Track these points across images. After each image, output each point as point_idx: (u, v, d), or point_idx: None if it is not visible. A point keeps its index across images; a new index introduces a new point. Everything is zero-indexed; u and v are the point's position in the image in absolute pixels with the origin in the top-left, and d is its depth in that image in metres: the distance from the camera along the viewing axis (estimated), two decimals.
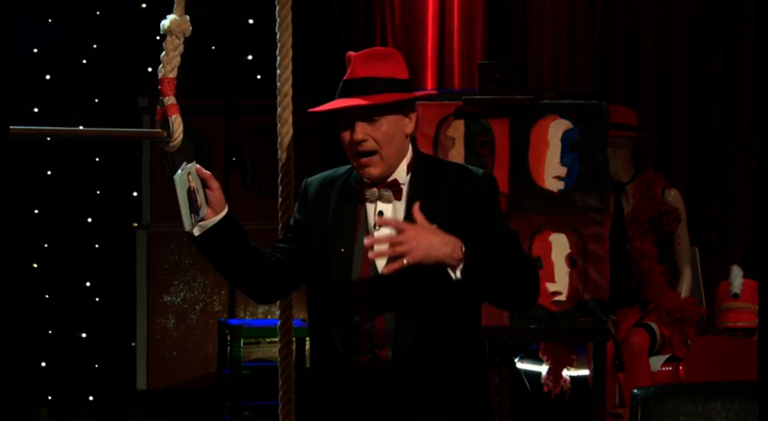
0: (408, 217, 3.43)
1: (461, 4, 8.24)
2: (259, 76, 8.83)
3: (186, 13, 3.80)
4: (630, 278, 6.41)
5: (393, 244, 3.23)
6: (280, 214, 3.92)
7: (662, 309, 6.42)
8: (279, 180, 3.97)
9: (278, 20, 3.94)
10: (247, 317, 8.73)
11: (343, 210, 3.52)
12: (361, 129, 3.43)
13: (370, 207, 3.50)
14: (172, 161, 8.65)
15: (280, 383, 4.00)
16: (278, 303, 3.99)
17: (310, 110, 3.65)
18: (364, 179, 3.50)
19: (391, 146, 3.46)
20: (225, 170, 8.66)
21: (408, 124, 3.51)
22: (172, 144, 3.81)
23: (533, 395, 6.62)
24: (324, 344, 3.49)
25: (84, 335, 8.54)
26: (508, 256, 3.38)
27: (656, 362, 6.40)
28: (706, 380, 5.99)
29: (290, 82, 3.96)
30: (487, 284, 3.35)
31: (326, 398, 3.51)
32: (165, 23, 3.77)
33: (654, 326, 6.40)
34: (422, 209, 3.37)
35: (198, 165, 3.47)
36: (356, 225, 3.49)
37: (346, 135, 3.47)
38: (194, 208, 3.46)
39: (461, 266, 3.27)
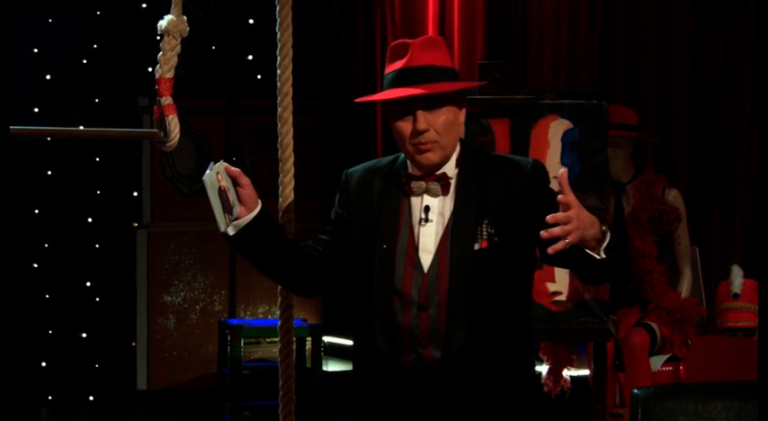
0: (457, 211, 3.36)
1: (461, 4, 8.24)
2: (259, 76, 8.83)
3: (186, 13, 3.80)
4: (631, 278, 6.41)
5: (562, 223, 3.08)
6: (280, 214, 3.91)
7: (662, 309, 6.42)
8: (279, 180, 3.96)
9: (278, 20, 3.94)
10: (247, 317, 8.73)
11: (386, 203, 3.43)
12: (423, 119, 3.34)
13: (415, 201, 3.41)
14: (172, 161, 8.65)
15: (280, 383, 4.00)
16: (278, 303, 3.99)
17: (362, 99, 3.59)
18: (410, 171, 3.42)
19: (450, 135, 3.37)
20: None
21: (461, 115, 3.43)
22: (169, 144, 3.81)
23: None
24: (368, 344, 3.41)
25: (84, 334, 8.54)
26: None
27: (657, 362, 6.40)
28: (706, 380, 5.99)
29: (291, 82, 3.95)
30: (620, 261, 3.26)
31: (371, 399, 3.43)
32: (162, 24, 3.77)
33: (654, 326, 6.40)
34: (469, 202, 3.32)
35: (226, 164, 3.40)
36: (399, 219, 3.41)
37: (404, 125, 3.37)
38: (227, 207, 3.38)
39: (605, 245, 3.16)
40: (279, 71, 3.93)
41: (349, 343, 8.52)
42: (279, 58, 3.93)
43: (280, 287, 3.93)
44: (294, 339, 4.11)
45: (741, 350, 6.28)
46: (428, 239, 3.38)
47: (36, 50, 8.43)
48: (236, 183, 3.40)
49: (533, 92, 5.54)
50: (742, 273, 6.47)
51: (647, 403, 3.63)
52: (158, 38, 3.79)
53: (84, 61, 8.55)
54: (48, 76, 8.46)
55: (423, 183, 3.40)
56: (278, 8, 3.94)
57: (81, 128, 5.73)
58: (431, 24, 8.37)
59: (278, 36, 3.94)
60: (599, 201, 5.29)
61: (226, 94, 8.84)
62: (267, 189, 8.68)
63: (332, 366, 8.20)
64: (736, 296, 6.43)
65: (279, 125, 3.95)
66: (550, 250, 3.09)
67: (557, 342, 5.94)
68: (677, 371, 6.42)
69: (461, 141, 3.47)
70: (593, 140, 5.31)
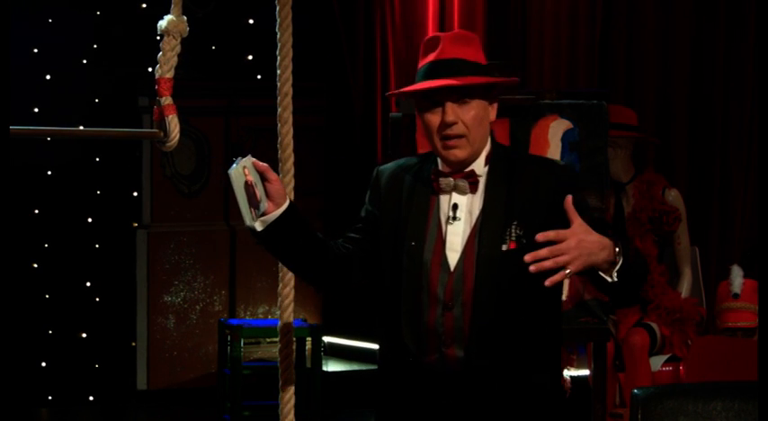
0: (485, 210, 3.33)
1: (461, 4, 8.24)
2: (259, 76, 8.83)
3: (186, 13, 3.80)
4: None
5: (554, 255, 3.07)
6: None
7: (662, 309, 6.42)
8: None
9: (278, 20, 3.94)
10: (247, 318, 8.72)
11: (415, 200, 3.41)
12: (452, 111, 3.32)
13: (443, 198, 3.39)
14: (172, 161, 8.64)
15: (280, 383, 4.00)
16: (278, 303, 3.98)
17: (393, 92, 3.56)
18: (440, 168, 3.40)
19: (479, 131, 3.35)
20: (225, 170, 8.65)
21: (492, 112, 3.40)
22: (169, 144, 3.80)
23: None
24: (394, 342, 3.38)
25: (84, 335, 8.53)
26: (630, 246, 3.26)
27: (657, 362, 6.40)
28: (706, 380, 5.99)
29: (291, 82, 3.95)
30: (632, 282, 3.23)
31: (395, 396, 3.41)
32: (162, 24, 3.76)
33: (654, 326, 6.40)
34: (498, 202, 3.30)
35: (254, 158, 3.35)
36: (428, 217, 3.39)
37: (433, 117, 3.35)
38: (254, 202, 3.33)
39: (617, 268, 3.14)
40: (279, 71, 3.93)
41: (349, 343, 8.53)
42: (279, 58, 3.93)
43: (280, 287, 3.93)
44: (294, 339, 4.10)
45: (741, 350, 6.28)
46: (455, 238, 3.36)
47: (36, 50, 8.43)
48: (263, 177, 3.34)
49: (533, 92, 5.54)
50: (742, 273, 6.47)
51: (647, 403, 3.63)
52: (158, 38, 3.79)
53: (84, 61, 8.55)
54: (48, 76, 8.46)
55: (451, 181, 3.38)
56: (278, 8, 3.94)
57: (81, 128, 5.72)
58: (431, 24, 8.37)
59: (278, 36, 3.94)
60: (599, 201, 5.29)
61: (226, 94, 8.83)
62: None
63: (332, 366, 8.20)
64: (736, 296, 6.43)
65: (279, 125, 3.95)
66: (547, 283, 3.08)
67: None
68: (677, 372, 6.42)
69: (492, 139, 3.44)
70: (593, 140, 5.31)
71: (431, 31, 8.36)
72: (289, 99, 3.95)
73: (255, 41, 8.79)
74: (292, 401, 4.01)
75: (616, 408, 6.33)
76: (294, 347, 4.10)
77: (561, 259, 3.06)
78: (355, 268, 3.46)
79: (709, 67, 7.67)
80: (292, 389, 4.00)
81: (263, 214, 3.34)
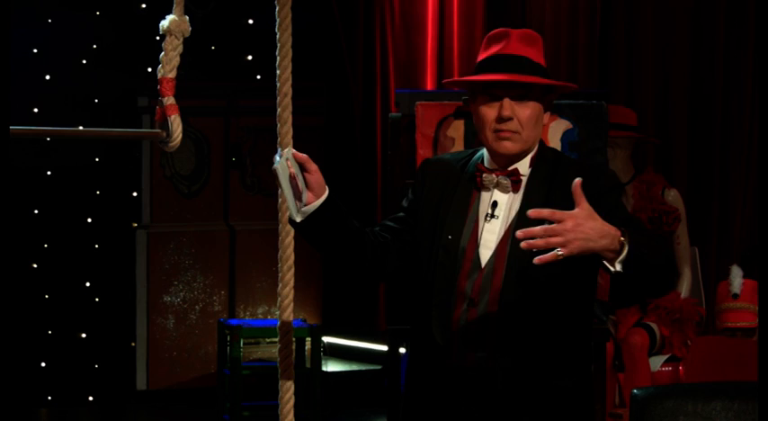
0: (523, 210, 3.29)
1: (461, 4, 8.25)
2: (259, 77, 8.83)
3: (186, 13, 3.80)
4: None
5: (548, 235, 3.00)
6: (280, 214, 3.91)
7: (662, 310, 6.42)
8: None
9: (278, 20, 3.94)
10: (247, 318, 8.72)
11: (457, 194, 3.40)
12: (509, 107, 3.31)
13: (484, 195, 3.38)
14: (172, 161, 8.65)
15: (279, 383, 4.00)
16: (277, 303, 3.98)
17: (451, 80, 3.56)
18: (485, 164, 3.39)
19: (532, 130, 3.34)
20: (225, 170, 8.66)
21: (546, 116, 3.40)
22: (171, 144, 3.80)
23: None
24: (423, 336, 3.38)
25: (83, 335, 8.53)
26: (655, 240, 3.18)
27: (656, 363, 6.40)
28: (706, 381, 5.99)
29: (290, 82, 3.95)
30: (643, 275, 3.14)
31: (422, 389, 3.40)
32: (164, 24, 3.76)
33: (654, 326, 6.40)
34: (536, 203, 3.26)
35: (294, 150, 3.36)
36: (467, 212, 3.38)
37: (489, 110, 3.34)
38: (297, 194, 3.34)
39: (621, 258, 3.05)
40: (278, 71, 3.93)
41: (348, 343, 8.54)
42: (278, 58, 3.93)
43: (279, 287, 3.93)
44: (294, 339, 4.10)
45: (741, 350, 6.28)
46: (490, 235, 3.35)
47: (36, 51, 8.43)
48: (303, 168, 3.35)
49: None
50: (741, 273, 6.47)
51: (646, 403, 3.63)
52: (159, 38, 3.79)
53: (84, 61, 8.55)
54: (47, 77, 8.46)
55: (494, 177, 3.37)
56: (277, 8, 3.94)
57: (81, 128, 5.73)
58: (431, 24, 8.37)
59: (277, 36, 3.94)
60: None
61: (225, 95, 8.84)
62: (267, 189, 8.73)
63: (331, 366, 8.20)
64: (735, 296, 6.43)
65: (278, 125, 3.95)
66: (536, 260, 3.01)
67: None
68: (677, 372, 6.42)
69: (540, 142, 3.43)
70: (592, 141, 5.30)
71: (431, 31, 8.36)
72: (288, 99, 3.94)
73: (255, 41, 8.79)
74: (292, 401, 4.01)
75: (616, 409, 6.33)
76: (294, 347, 4.10)
77: (554, 240, 3.00)
78: (392, 257, 3.45)
79: (709, 67, 7.67)
80: (292, 390, 4.00)
81: (305, 205, 3.34)
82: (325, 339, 8.40)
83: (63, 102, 8.42)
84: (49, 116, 8.28)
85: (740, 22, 7.64)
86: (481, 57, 3.41)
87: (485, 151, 3.44)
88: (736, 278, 6.46)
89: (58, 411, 8.43)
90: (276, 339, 4.15)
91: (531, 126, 3.34)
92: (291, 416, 4.00)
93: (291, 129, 3.96)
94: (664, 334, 6.41)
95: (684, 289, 6.58)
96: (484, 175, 3.38)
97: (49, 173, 8.49)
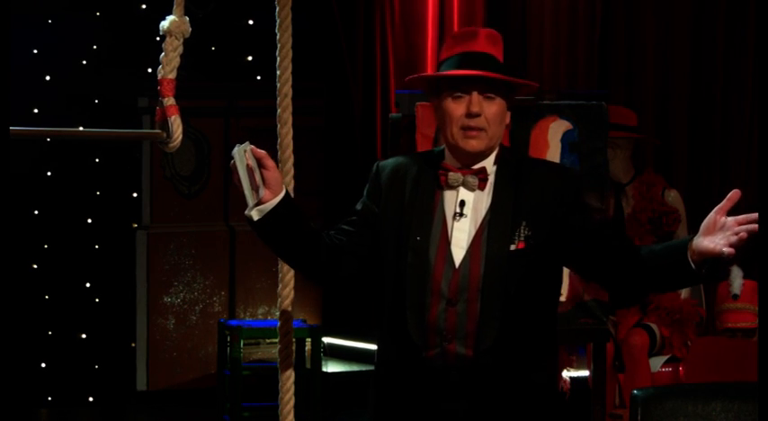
0: (494, 208, 3.35)
1: (461, 4, 8.25)
2: (259, 77, 8.83)
3: (186, 13, 3.80)
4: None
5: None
6: None
7: (662, 310, 6.42)
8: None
9: (278, 20, 3.94)
10: (247, 318, 8.72)
11: (420, 196, 3.42)
12: (478, 102, 3.35)
13: (449, 194, 3.40)
14: (172, 162, 8.65)
15: (280, 384, 4.00)
16: (277, 304, 3.99)
17: (416, 75, 3.58)
18: (448, 161, 3.41)
19: (497, 128, 3.38)
20: (225, 171, 8.66)
21: (507, 115, 3.44)
22: (171, 145, 3.80)
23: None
24: (397, 336, 3.39)
25: (83, 335, 8.53)
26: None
27: (656, 363, 6.40)
28: (706, 381, 6.00)
29: (290, 83, 3.95)
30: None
31: (396, 391, 3.42)
32: (164, 24, 3.76)
33: (654, 326, 6.40)
34: (506, 201, 3.32)
35: (252, 146, 3.39)
36: (432, 212, 3.40)
37: (456, 106, 3.37)
38: (254, 186, 3.39)
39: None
40: (278, 72, 3.93)
41: (348, 344, 8.53)
42: (278, 58, 3.93)
43: (279, 288, 3.93)
44: (294, 340, 4.10)
45: (741, 351, 6.28)
46: (461, 234, 3.37)
47: (36, 51, 8.43)
48: (261, 164, 3.38)
49: (533, 93, 5.54)
50: (742, 273, 6.47)
51: (646, 404, 3.63)
52: (159, 38, 3.78)
53: (84, 62, 8.55)
54: (47, 77, 8.46)
55: (460, 176, 3.39)
56: (277, 9, 3.94)
57: (81, 129, 5.73)
58: (431, 24, 8.37)
59: (277, 37, 3.94)
60: (599, 201, 5.30)
61: (225, 95, 8.83)
62: None
63: (331, 367, 8.20)
64: (735, 297, 6.43)
65: (279, 125, 3.95)
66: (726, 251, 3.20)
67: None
68: (677, 372, 6.42)
69: (501, 143, 3.46)
70: (592, 141, 5.31)
71: (431, 31, 8.36)
72: (288, 99, 3.95)
73: (255, 42, 8.79)
74: (292, 402, 4.01)
75: (616, 409, 6.33)
76: (294, 348, 4.10)
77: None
78: (346, 261, 3.47)
79: (709, 67, 7.67)
80: (292, 390, 4.00)
81: (260, 202, 3.37)
82: (326, 340, 8.39)
83: (63, 102, 8.42)
84: (49, 117, 8.28)
85: (740, 22, 7.65)
86: (445, 55, 3.43)
87: (445, 150, 3.46)
88: (737, 279, 6.45)
89: (58, 411, 8.42)
90: (276, 340, 4.15)
91: (497, 123, 3.38)
92: (291, 416, 4.00)
93: (291, 130, 3.97)
94: (664, 334, 6.41)
95: (684, 289, 6.57)
96: (450, 174, 3.39)
97: (49, 173, 8.48)
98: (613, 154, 6.30)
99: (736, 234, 3.21)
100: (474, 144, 3.37)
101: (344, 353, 8.48)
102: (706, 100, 7.69)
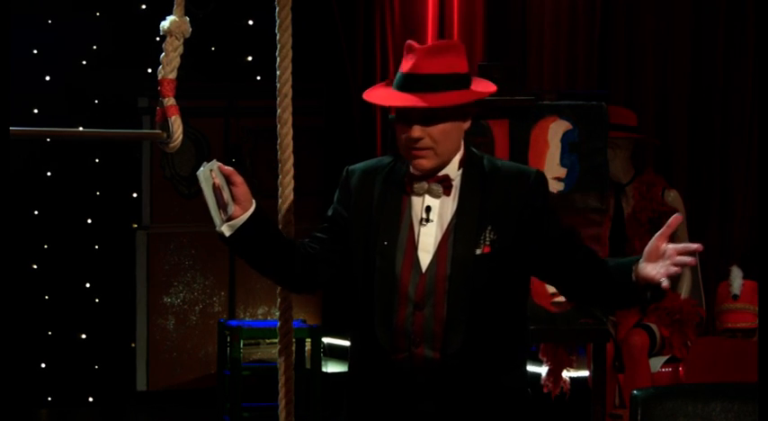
0: (459, 213, 3.36)
1: (461, 5, 8.24)
2: (259, 78, 8.83)
3: (186, 13, 3.79)
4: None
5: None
6: (279, 216, 3.91)
7: (662, 310, 6.42)
8: (278, 181, 3.96)
9: (278, 21, 3.94)
10: (247, 319, 8.73)
11: (388, 201, 3.43)
12: (419, 129, 3.33)
13: (416, 200, 3.40)
14: (172, 162, 8.65)
15: (280, 384, 4.00)
16: (277, 304, 3.99)
17: (366, 97, 3.55)
18: (412, 171, 3.41)
19: (447, 143, 3.36)
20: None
21: (466, 123, 3.41)
22: (172, 145, 3.80)
23: (533, 396, 6.61)
24: (366, 340, 3.42)
25: (83, 336, 8.54)
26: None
27: (656, 363, 6.39)
28: (706, 382, 5.99)
29: (290, 83, 3.95)
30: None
31: (365, 394, 3.45)
32: (164, 24, 3.76)
33: (654, 327, 6.40)
34: (471, 206, 3.33)
35: (219, 163, 3.41)
36: (400, 217, 3.40)
37: (402, 128, 3.37)
38: (221, 204, 3.40)
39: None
40: (278, 72, 3.93)
41: (348, 344, 8.53)
42: (278, 59, 3.93)
43: (279, 288, 3.93)
44: (294, 340, 4.10)
45: (741, 351, 6.28)
46: (428, 239, 3.38)
47: (36, 51, 8.43)
48: (229, 181, 3.41)
49: (533, 93, 5.54)
50: (741, 274, 6.47)
51: (646, 404, 3.63)
52: (160, 39, 3.78)
53: (84, 62, 8.55)
54: (47, 77, 8.46)
55: (425, 184, 3.40)
56: (277, 9, 3.94)
57: (81, 129, 5.73)
58: (431, 25, 8.37)
59: (277, 37, 3.94)
60: (599, 202, 5.30)
61: (225, 95, 8.84)
62: (267, 190, 8.72)
63: (331, 367, 8.20)
64: (735, 297, 6.43)
65: (278, 126, 3.95)
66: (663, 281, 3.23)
67: (556, 343, 5.94)
68: (677, 373, 6.41)
69: (465, 144, 3.45)
70: (592, 141, 5.31)
71: (431, 31, 8.36)
72: (288, 100, 3.94)
73: (255, 42, 8.79)
74: (292, 402, 4.01)
75: (615, 409, 6.33)
76: (294, 348, 4.10)
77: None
78: (322, 268, 3.49)
79: (709, 67, 7.67)
80: (292, 391, 4.00)
81: (230, 218, 3.39)
82: (325, 340, 8.39)
83: (63, 102, 8.43)
84: (49, 117, 8.28)
85: (740, 23, 7.64)
86: (400, 68, 3.40)
87: None
88: (737, 279, 6.45)
89: (58, 412, 8.43)
90: (276, 340, 4.15)
91: (445, 140, 3.35)
92: (291, 416, 4.00)
93: (291, 130, 3.96)
94: (664, 335, 6.40)
95: (684, 290, 6.57)
96: (414, 184, 3.40)
97: (49, 174, 8.49)
98: (613, 154, 6.30)
99: (675, 264, 3.23)
100: (423, 163, 3.36)
101: (344, 354, 8.47)
102: (706, 100, 7.68)
